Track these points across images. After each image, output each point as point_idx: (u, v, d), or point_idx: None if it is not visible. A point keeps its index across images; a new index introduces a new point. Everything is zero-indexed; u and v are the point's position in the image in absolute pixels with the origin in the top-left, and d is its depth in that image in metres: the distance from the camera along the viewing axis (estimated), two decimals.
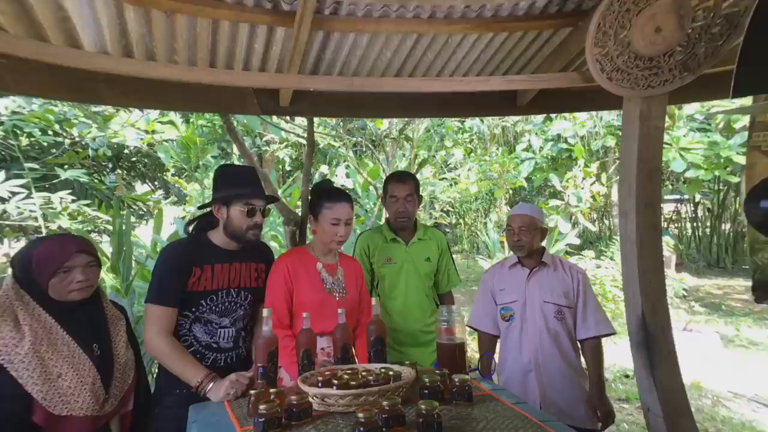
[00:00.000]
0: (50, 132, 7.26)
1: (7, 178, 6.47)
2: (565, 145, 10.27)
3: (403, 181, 3.29)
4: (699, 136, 9.41)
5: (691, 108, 9.41)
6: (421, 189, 3.50)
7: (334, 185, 2.93)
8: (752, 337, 7.30)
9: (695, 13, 2.67)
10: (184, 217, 8.36)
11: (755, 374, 5.76)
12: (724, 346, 6.87)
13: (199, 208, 2.80)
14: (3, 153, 7.23)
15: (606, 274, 7.79)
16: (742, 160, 8.70)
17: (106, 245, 6.83)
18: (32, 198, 6.56)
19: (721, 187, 13.75)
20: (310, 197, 2.82)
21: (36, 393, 2.03)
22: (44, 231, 6.65)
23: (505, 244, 9.14)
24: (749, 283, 3.52)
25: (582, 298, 3.04)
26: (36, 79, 2.93)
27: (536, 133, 10.69)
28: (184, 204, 9.57)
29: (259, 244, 2.77)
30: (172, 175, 9.82)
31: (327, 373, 2.18)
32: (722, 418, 4.83)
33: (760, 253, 3.41)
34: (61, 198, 6.95)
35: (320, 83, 3.36)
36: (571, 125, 9.75)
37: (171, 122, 8.28)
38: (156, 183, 10.11)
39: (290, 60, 3.14)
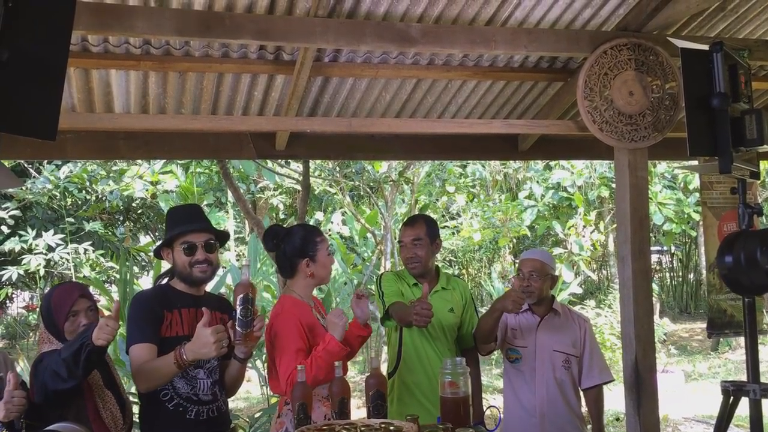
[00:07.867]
0: (88, 190, 7.77)
1: (55, 233, 7.27)
2: (565, 194, 9.79)
3: (411, 225, 2.81)
4: (669, 192, 9.37)
5: (662, 167, 9.42)
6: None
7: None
8: (700, 369, 8.32)
9: (652, 86, 2.89)
10: None
11: (699, 399, 6.66)
12: (686, 382, 7.52)
13: (155, 255, 2.49)
14: (55, 211, 7.88)
15: (605, 322, 7.70)
16: (697, 216, 8.86)
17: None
18: (67, 250, 7.16)
19: (686, 240, 13.75)
20: (290, 244, 2.44)
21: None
22: (74, 279, 7.04)
23: None
24: (704, 325, 3.89)
25: (588, 348, 2.83)
26: (82, 144, 3.17)
27: (537, 181, 9.91)
28: None
29: (221, 298, 2.50)
30: None
31: (324, 427, 1.90)
32: None
33: (712, 295, 3.75)
34: (85, 249, 7.36)
35: (317, 125, 3.14)
36: (569, 174, 9.42)
37: (171, 172, 8.05)
38: (157, 234, 9.83)
39: (288, 104, 2.96)
